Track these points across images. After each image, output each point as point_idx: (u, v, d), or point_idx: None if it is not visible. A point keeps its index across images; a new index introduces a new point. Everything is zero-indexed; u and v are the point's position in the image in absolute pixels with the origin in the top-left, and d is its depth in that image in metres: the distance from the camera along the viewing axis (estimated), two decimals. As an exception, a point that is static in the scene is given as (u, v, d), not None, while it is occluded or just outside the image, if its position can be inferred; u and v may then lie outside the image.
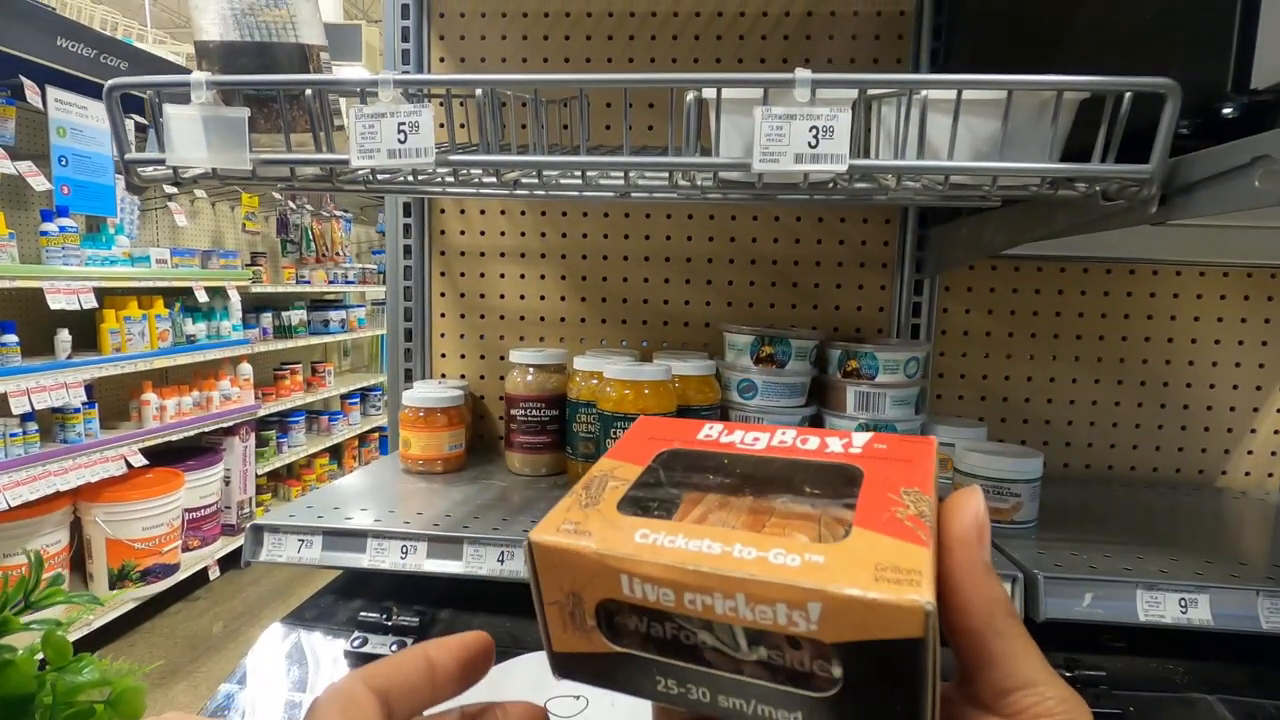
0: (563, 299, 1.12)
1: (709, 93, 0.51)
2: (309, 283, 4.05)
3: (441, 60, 1.09)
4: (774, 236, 1.08)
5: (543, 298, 1.12)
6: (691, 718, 0.27)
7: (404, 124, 0.51)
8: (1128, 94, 0.48)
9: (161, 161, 0.55)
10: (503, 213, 1.11)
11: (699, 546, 0.20)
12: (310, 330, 4.05)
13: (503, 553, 0.74)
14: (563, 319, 1.13)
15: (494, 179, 0.56)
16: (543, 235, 1.11)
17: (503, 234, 1.11)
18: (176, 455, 3.06)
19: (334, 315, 4.20)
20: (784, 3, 1.04)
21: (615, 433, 0.84)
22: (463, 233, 1.12)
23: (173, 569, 2.86)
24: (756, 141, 0.49)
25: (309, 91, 0.54)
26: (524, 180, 0.59)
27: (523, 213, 1.11)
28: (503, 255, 1.12)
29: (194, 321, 3.16)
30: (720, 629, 0.21)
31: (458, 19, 1.08)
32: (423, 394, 0.96)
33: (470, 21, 1.08)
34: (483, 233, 1.12)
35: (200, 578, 3.09)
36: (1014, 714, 0.21)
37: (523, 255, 1.12)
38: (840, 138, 0.49)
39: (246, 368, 3.46)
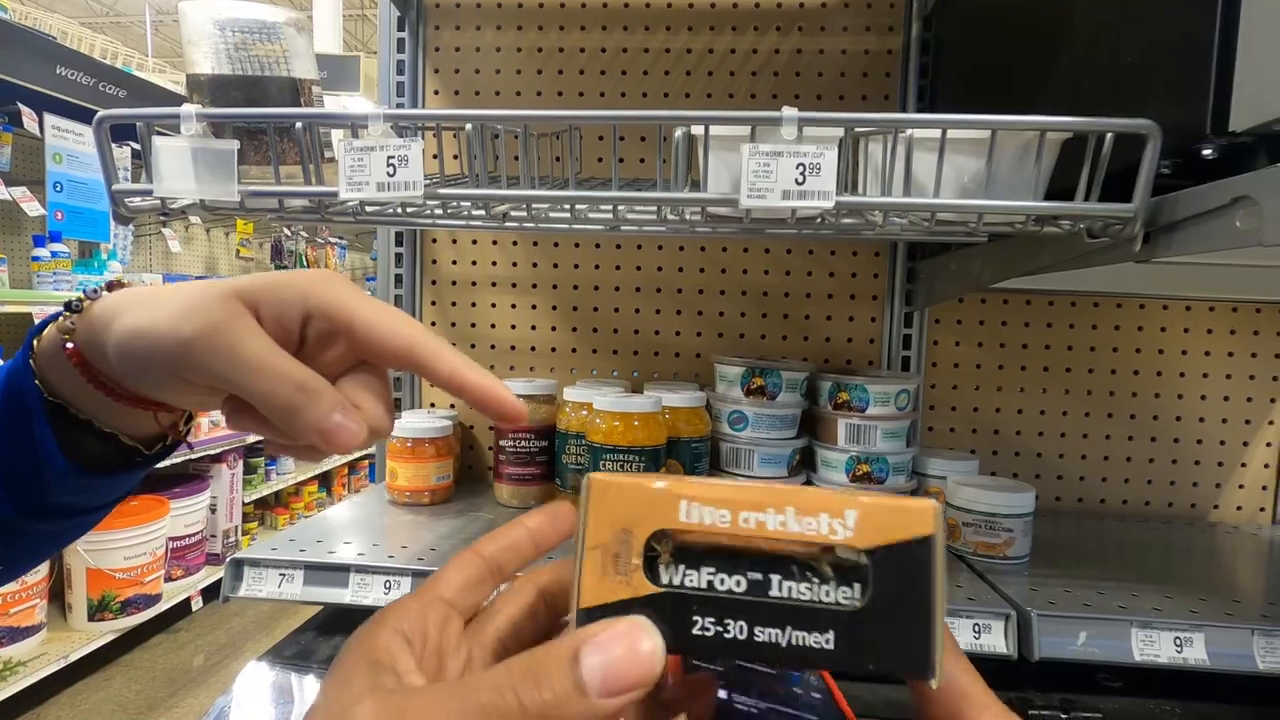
0: (554, 329, 1.12)
1: (698, 129, 0.52)
2: (302, 309, 4.04)
3: (436, 92, 1.11)
4: (764, 268, 1.09)
5: (534, 328, 1.12)
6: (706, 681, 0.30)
7: (393, 158, 0.51)
8: (1109, 134, 0.49)
9: (149, 192, 0.54)
10: (494, 243, 1.11)
11: (750, 485, 0.24)
12: (302, 356, 4.03)
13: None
14: (553, 349, 1.12)
15: (483, 212, 0.56)
16: (534, 265, 1.11)
17: (494, 264, 1.12)
18: (162, 482, 3.01)
19: (326, 341, 4.19)
20: (774, 40, 1.06)
21: (604, 465, 0.83)
22: (454, 262, 1.12)
23: (154, 599, 2.80)
24: (744, 178, 0.50)
25: (299, 125, 0.54)
26: (513, 213, 0.59)
27: (514, 243, 1.11)
28: (494, 285, 1.12)
29: (184, 347, 3.14)
30: (757, 566, 0.22)
31: (452, 52, 1.10)
32: (410, 424, 0.95)
33: (465, 55, 1.10)
34: (474, 262, 1.12)
35: (182, 609, 3.02)
36: None
37: (514, 285, 1.12)
38: (827, 175, 0.49)
39: (236, 394, 3.44)
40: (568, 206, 0.55)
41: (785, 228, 0.55)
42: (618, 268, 1.10)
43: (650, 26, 1.08)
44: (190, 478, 3.17)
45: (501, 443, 0.97)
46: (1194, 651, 0.66)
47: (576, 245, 1.10)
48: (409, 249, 1.11)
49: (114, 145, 0.57)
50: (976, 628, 0.68)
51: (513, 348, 1.13)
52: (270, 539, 0.79)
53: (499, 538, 0.28)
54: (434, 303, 1.13)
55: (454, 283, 1.12)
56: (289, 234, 4.03)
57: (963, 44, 0.93)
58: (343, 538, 0.81)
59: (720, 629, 0.22)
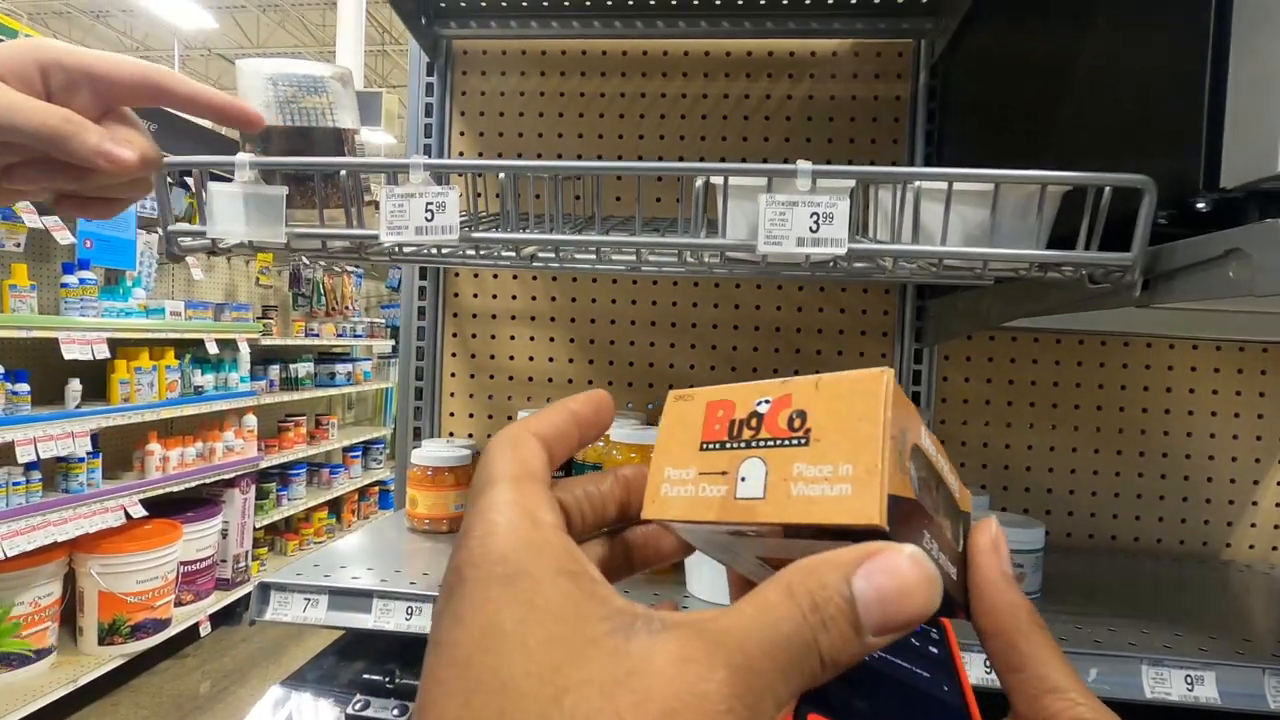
0: (571, 361, 1.15)
1: (717, 179, 0.55)
2: (318, 336, 4.11)
3: (462, 134, 1.16)
4: (777, 304, 1.12)
5: (551, 359, 1.15)
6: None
7: (431, 204, 0.55)
8: (1107, 188, 0.52)
9: (202, 233, 0.58)
10: (515, 277, 1.15)
11: None
12: (316, 383, 4.08)
13: (507, 616, 0.74)
14: (570, 381, 1.15)
15: (513, 253, 0.59)
16: (553, 299, 1.15)
17: (514, 297, 1.15)
18: (176, 506, 3.04)
19: (340, 368, 4.24)
20: (786, 86, 1.11)
21: (621, 496, 0.85)
22: (475, 295, 1.16)
23: (164, 624, 2.80)
24: (760, 226, 0.53)
25: (343, 172, 0.58)
26: (540, 254, 0.63)
27: (534, 278, 1.15)
28: (514, 318, 1.15)
29: (203, 373, 3.20)
30: (942, 494, 0.25)
31: (478, 97, 1.15)
32: (431, 453, 0.98)
33: (490, 99, 1.15)
34: (495, 296, 1.15)
35: (190, 634, 3.02)
36: (1046, 718, 0.23)
37: (533, 318, 1.15)
38: (839, 223, 0.52)
39: (251, 419, 3.48)
40: (593, 249, 0.58)
41: (799, 270, 0.58)
42: (634, 302, 1.14)
43: (668, 73, 1.12)
44: (203, 502, 3.20)
45: (519, 472, 0.99)
46: (1205, 690, 0.66)
47: (595, 280, 1.14)
48: (432, 282, 1.15)
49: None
50: (986, 664, 0.69)
51: (531, 379, 1.15)
52: (293, 564, 0.81)
53: (547, 419, 0.25)
54: (455, 334, 1.16)
55: (475, 315, 1.16)
56: (307, 262, 4.11)
57: (967, 93, 0.96)
58: (365, 564, 0.83)
59: (930, 549, 0.23)
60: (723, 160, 1.11)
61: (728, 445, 0.24)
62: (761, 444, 0.24)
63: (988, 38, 0.91)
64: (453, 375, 1.17)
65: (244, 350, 3.38)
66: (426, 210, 0.55)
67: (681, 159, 1.12)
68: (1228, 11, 0.48)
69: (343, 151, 0.61)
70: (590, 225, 0.63)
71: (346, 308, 4.48)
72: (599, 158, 1.13)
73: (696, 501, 0.24)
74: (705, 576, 0.77)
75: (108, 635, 2.63)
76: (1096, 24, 0.65)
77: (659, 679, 0.17)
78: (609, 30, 1.09)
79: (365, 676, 0.71)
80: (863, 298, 1.10)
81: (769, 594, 0.19)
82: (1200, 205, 0.51)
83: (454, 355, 1.16)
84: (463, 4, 1.08)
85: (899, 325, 1.09)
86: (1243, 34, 0.47)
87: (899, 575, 0.19)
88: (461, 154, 1.15)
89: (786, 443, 0.23)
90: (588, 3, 1.06)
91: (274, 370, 3.76)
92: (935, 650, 0.29)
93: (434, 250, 0.60)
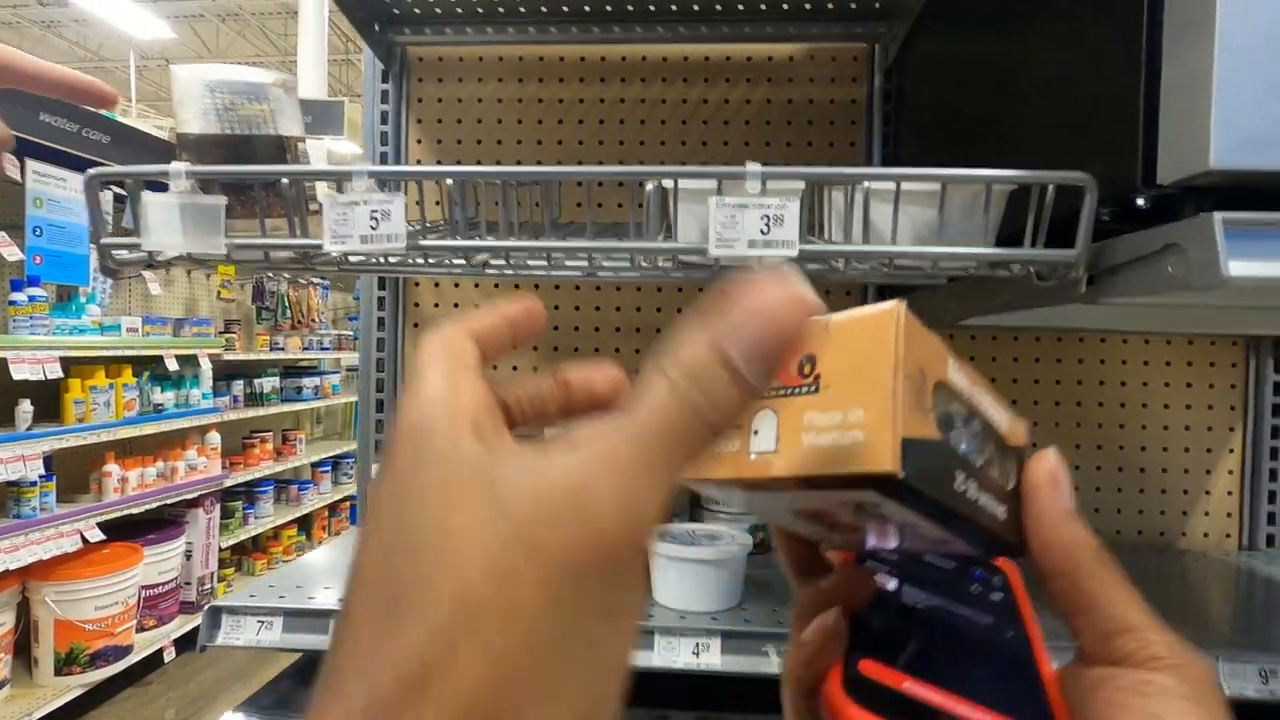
0: (534, 370, 1.14)
1: (668, 182, 0.55)
2: (283, 349, 4.02)
3: (419, 142, 1.14)
4: (740, 308, 1.11)
5: (515, 368, 1.14)
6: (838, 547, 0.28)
7: (376, 212, 0.54)
8: (1050, 186, 0.52)
9: (137, 245, 0.56)
10: (476, 285, 1.13)
11: None
12: (283, 398, 3.99)
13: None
14: (535, 389, 1.14)
15: (463, 261, 0.58)
16: (515, 307, 1.13)
17: (476, 306, 1.13)
18: (136, 529, 2.95)
19: (308, 382, 4.16)
20: (744, 90, 1.11)
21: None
22: (436, 305, 1.14)
23: (125, 651, 2.71)
24: (711, 229, 0.52)
25: (285, 180, 0.56)
26: (492, 261, 0.62)
27: (495, 285, 1.13)
28: (476, 327, 1.14)
29: (162, 390, 3.11)
30: (978, 431, 0.23)
31: (435, 104, 1.14)
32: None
33: (448, 107, 1.14)
34: (456, 305, 1.14)
35: (154, 660, 2.93)
36: (1120, 659, 0.22)
37: (496, 327, 1.14)
38: (790, 225, 0.52)
39: (215, 436, 3.39)
40: (544, 255, 0.58)
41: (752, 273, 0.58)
42: (597, 309, 1.13)
43: (627, 79, 1.12)
44: (166, 524, 3.11)
45: (483, 483, 0.98)
46: (1162, 678, 0.67)
47: (557, 287, 1.13)
48: (391, 293, 1.13)
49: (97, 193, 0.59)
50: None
51: (494, 388, 1.14)
52: (249, 585, 0.79)
53: (478, 317, 0.24)
54: (416, 345, 1.14)
55: (436, 325, 1.14)
56: (271, 275, 4.03)
57: (920, 96, 0.98)
58: (323, 583, 0.81)
59: (966, 489, 0.22)
60: (682, 164, 1.11)
61: None
62: (773, 393, 0.22)
63: (937, 41, 0.93)
64: (415, 386, 1.14)
65: (205, 366, 3.30)
66: (371, 218, 0.54)
67: (641, 163, 1.12)
68: (1159, 16, 0.49)
69: (285, 159, 0.59)
70: (545, 234, 0.62)
71: (313, 320, 4.39)
72: (559, 163, 1.13)
73: (712, 458, 0.23)
74: (671, 582, 0.76)
75: (65, 665, 2.54)
76: (1038, 27, 0.66)
77: (525, 489, 0.17)
78: (566, 36, 1.09)
79: (322, 699, 0.69)
80: (824, 299, 1.11)
81: (649, 396, 0.19)
82: (1141, 201, 0.52)
83: (415, 366, 1.14)
84: (417, 11, 1.07)
85: (861, 326, 1.10)
86: (1173, 36, 0.48)
87: (763, 314, 0.19)
88: (419, 161, 1.14)
89: (797, 391, 0.22)
90: (544, 9, 1.06)
91: (238, 386, 3.67)
92: (998, 596, 0.28)
93: (382, 259, 0.59)
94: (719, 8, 1.04)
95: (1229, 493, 1.08)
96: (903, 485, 0.19)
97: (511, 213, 0.59)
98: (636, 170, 0.54)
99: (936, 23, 0.92)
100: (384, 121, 1.12)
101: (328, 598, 0.76)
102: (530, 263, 0.62)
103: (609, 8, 1.05)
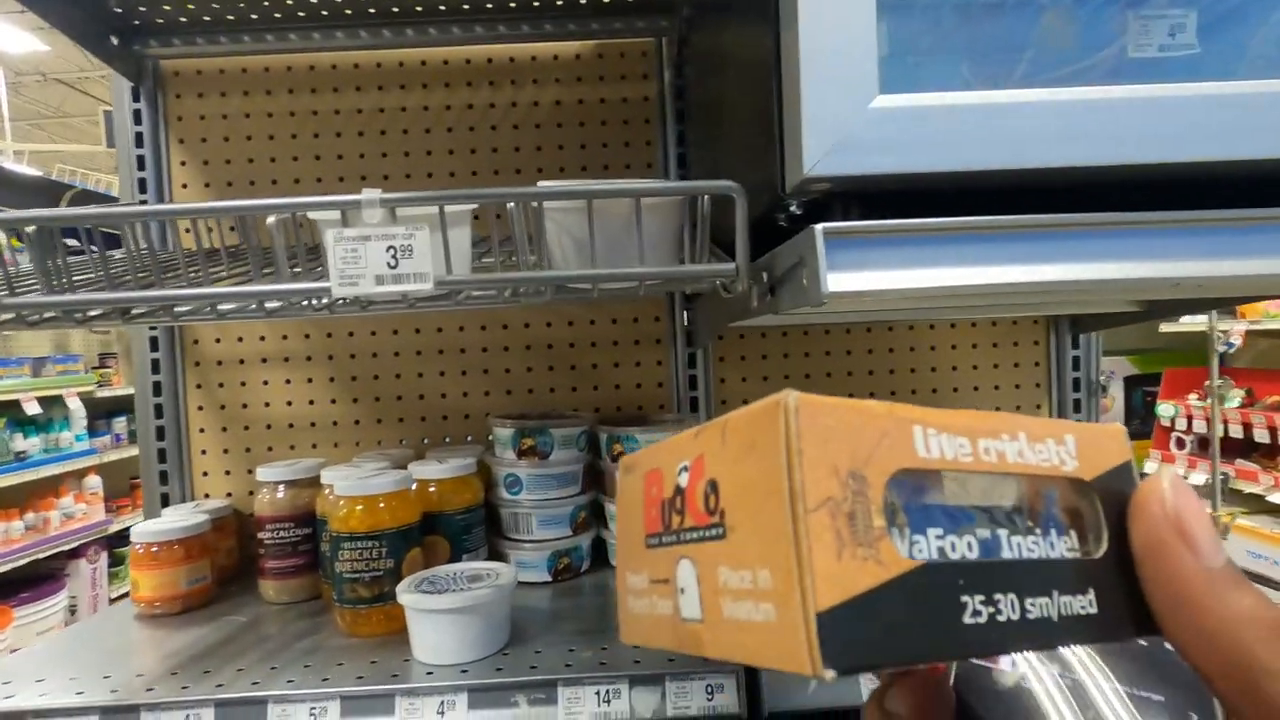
0: (333, 402, 1.06)
1: (288, 214, 0.49)
2: (171, 380, 3.79)
3: (184, 164, 1.04)
4: (546, 321, 1.06)
5: (312, 402, 1.06)
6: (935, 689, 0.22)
7: (-64, 271, 0.46)
8: (705, 196, 0.49)
9: None
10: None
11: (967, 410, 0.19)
12: (174, 431, 3.77)
13: (188, 716, 0.65)
14: (335, 423, 1.06)
15: (89, 313, 0.51)
16: (307, 337, 1.05)
17: (262, 339, 1.05)
18: (7, 588, 2.73)
19: (202, 412, 3.94)
20: (532, 93, 1.06)
21: (343, 554, 0.77)
22: (218, 340, 1.05)
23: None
24: (332, 265, 0.47)
25: None
26: (137, 313, 0.54)
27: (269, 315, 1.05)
28: (264, 361, 1.05)
29: (25, 436, 2.88)
30: (997, 514, 0.17)
31: (197, 122, 1.04)
32: (152, 528, 0.87)
33: (211, 124, 1.04)
34: (240, 339, 1.05)
35: (37, 727, 2.72)
36: None
37: (286, 359, 1.06)
38: (421, 255, 0.47)
39: (95, 480, 3.17)
40: (172, 304, 0.51)
41: (400, 308, 0.52)
42: (395, 332, 1.06)
43: (406, 85, 1.05)
44: (41, 579, 2.89)
45: (260, 535, 0.90)
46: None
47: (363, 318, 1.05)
48: (164, 331, 1.03)
49: None
50: (709, 689, 0.66)
51: (291, 425, 1.06)
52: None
53: None
54: (199, 385, 1.05)
55: (220, 362, 1.05)
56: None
57: (697, 92, 0.94)
58: (50, 670, 0.72)
59: (993, 610, 0.16)
60: (474, 175, 1.05)
61: (663, 540, 0.19)
62: (688, 536, 0.18)
63: (703, 36, 0.89)
64: (202, 431, 1.05)
65: (75, 405, 3.07)
66: (-67, 279, 0.46)
67: (430, 176, 1.05)
68: (778, 20, 0.45)
69: None
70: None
71: (205, 346, 4.16)
72: (340, 180, 1.05)
73: (655, 622, 0.19)
74: (423, 635, 0.71)
75: (-76, 746, 2.33)
76: (737, 27, 0.62)
77: None
78: (333, 42, 1.01)
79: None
80: (632, 306, 1.07)
81: None
82: (794, 209, 0.48)
83: (200, 409, 1.05)
84: (159, 21, 0.97)
85: (670, 330, 1.06)
86: (788, 44, 0.44)
87: None
88: (185, 186, 1.04)
89: (706, 534, 0.17)
90: (301, 14, 0.98)
91: (120, 423, 3.44)
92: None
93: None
94: (489, 6, 0.98)
95: (1041, 470, 1.09)
96: (849, 672, 0.14)
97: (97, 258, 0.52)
98: (255, 204, 0.48)
99: (699, 17, 0.88)
100: (139, 144, 1.02)
101: (30, 694, 0.67)
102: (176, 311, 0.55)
103: (372, 10, 0.98)
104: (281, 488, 0.91)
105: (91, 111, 7.26)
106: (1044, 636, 0.16)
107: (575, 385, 1.07)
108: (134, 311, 0.54)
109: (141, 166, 1.03)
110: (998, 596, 0.16)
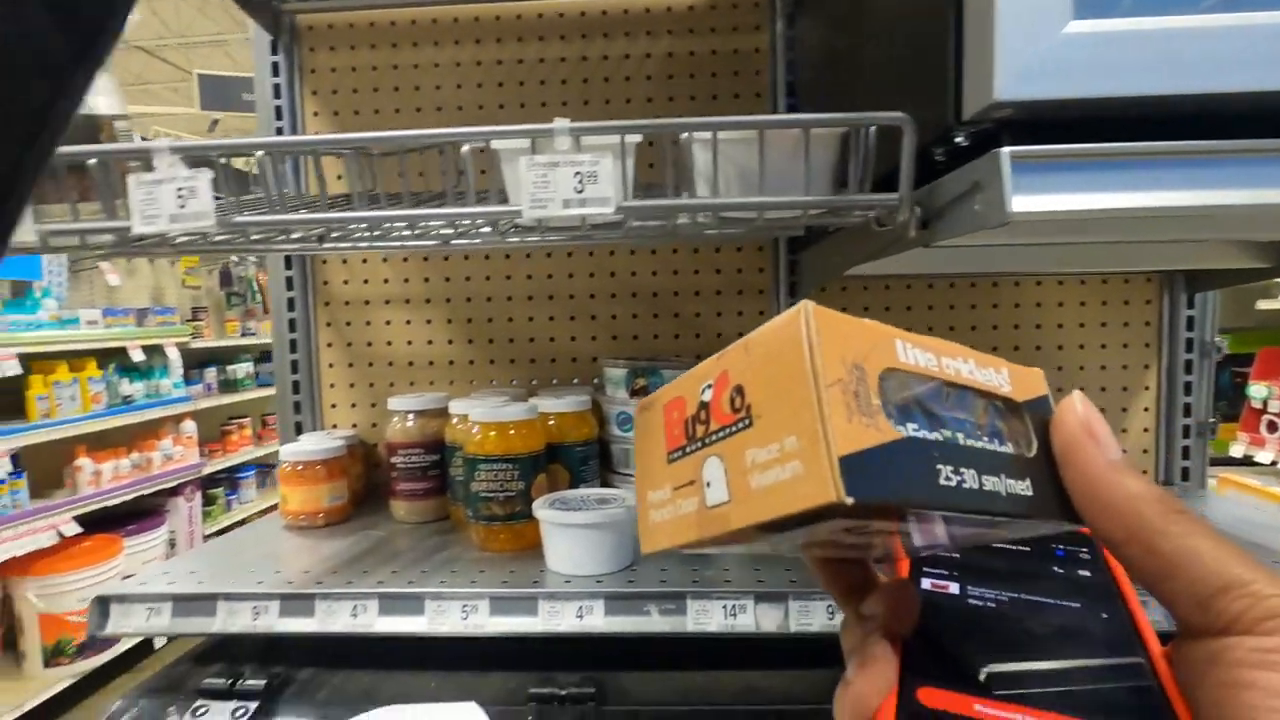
0: (450, 342, 1.13)
1: (497, 142, 0.53)
2: (255, 334, 4.00)
3: (316, 114, 1.11)
4: (652, 269, 1.10)
5: (430, 342, 1.13)
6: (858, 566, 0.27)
7: (182, 189, 0.52)
8: (872, 128, 0.51)
9: None
10: (385, 260, 1.11)
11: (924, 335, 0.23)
12: (259, 382, 3.98)
13: (355, 606, 0.73)
14: (451, 362, 1.13)
15: (284, 236, 0.57)
16: (426, 280, 1.12)
17: (386, 281, 1.12)
18: (116, 521, 2.96)
19: (283, 366, 4.14)
20: (645, 44, 1.08)
21: (479, 475, 0.84)
22: (346, 282, 1.12)
23: (113, 641, 2.75)
24: (524, 189, 0.51)
25: (93, 160, 0.54)
26: (307, 239, 0.60)
27: (405, 259, 1.11)
28: (387, 302, 1.12)
29: (131, 381, 3.09)
30: (960, 420, 0.21)
31: (329, 74, 1.10)
32: (298, 449, 0.95)
33: (342, 76, 1.10)
34: (366, 281, 1.12)
35: (145, 646, 2.98)
36: (1227, 626, 0.18)
37: (407, 301, 1.12)
38: (605, 182, 0.51)
39: (190, 425, 3.39)
40: (367, 228, 0.56)
41: (580, 234, 0.56)
42: (508, 278, 1.11)
43: (524, 37, 1.09)
44: (145, 513, 3.13)
45: (393, 459, 0.98)
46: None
47: (466, 258, 1.11)
48: (299, 272, 1.11)
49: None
50: (830, 609, 0.70)
51: (411, 363, 1.13)
52: (143, 572, 0.79)
53: None
54: (329, 324, 1.13)
55: (347, 303, 1.12)
56: (236, 260, 3.98)
57: (814, 41, 0.95)
58: (224, 567, 0.81)
59: (960, 479, 0.19)
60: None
61: (688, 450, 0.22)
62: (714, 438, 0.21)
63: (826, -19, 0.89)
64: (330, 366, 1.13)
65: (173, 355, 3.28)
66: (178, 197, 0.52)
67: (544, 126, 1.09)
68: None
69: (98, 139, 0.57)
70: (402, 201, 0.60)
71: (285, 304, 4.36)
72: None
73: (679, 522, 0.22)
74: (558, 548, 0.77)
75: (53, 657, 2.58)
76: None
77: None
78: (456, -5, 1.05)
79: (206, 682, 0.70)
80: (737, 257, 1.09)
81: None
82: (959, 139, 0.50)
83: (330, 345, 1.13)
84: (298, -24, 1.03)
85: (773, 281, 1.08)
86: (974, -40, 0.45)
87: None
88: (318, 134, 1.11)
89: (733, 429, 0.21)
90: (429, -32, 1.02)
91: (210, 373, 3.66)
92: (1085, 572, 0.25)
93: (201, 237, 0.57)
94: (609, -43, 1.00)
95: (1145, 429, 1.08)
96: (862, 507, 0.17)
97: (353, 183, 0.58)
98: (450, 133, 0.52)
99: (823, -38, 0.89)
100: (277, 96, 1.09)
101: (217, 583, 0.76)
102: (363, 234, 0.61)
103: (496, -37, 1.01)
104: (411, 416, 0.98)
105: (171, 78, 7.56)
106: (997, 504, 0.20)
107: (678, 332, 1.11)
108: (333, 234, 0.60)
109: (279, 116, 1.09)
110: (963, 469, 0.20)
